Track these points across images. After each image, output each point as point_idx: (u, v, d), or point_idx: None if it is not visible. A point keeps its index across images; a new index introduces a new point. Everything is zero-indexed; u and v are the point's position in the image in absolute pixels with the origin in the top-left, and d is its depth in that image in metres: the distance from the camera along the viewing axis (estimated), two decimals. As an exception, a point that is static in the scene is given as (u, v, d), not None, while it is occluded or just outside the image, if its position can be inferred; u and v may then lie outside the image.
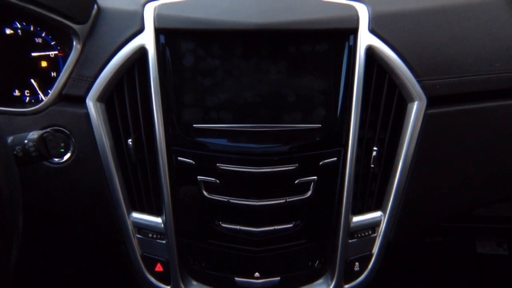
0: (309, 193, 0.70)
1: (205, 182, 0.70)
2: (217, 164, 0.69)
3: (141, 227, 0.76)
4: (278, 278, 0.76)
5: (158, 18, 0.69)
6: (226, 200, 0.70)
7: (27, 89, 0.77)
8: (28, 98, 0.77)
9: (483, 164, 0.74)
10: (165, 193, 0.71)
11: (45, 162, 0.71)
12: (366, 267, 0.77)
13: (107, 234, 0.77)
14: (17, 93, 0.77)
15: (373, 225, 0.76)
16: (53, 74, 0.76)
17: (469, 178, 0.74)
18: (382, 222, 0.75)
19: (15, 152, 0.57)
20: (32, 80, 0.76)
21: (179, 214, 0.73)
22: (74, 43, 0.70)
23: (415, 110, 0.69)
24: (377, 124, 0.72)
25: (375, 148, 0.72)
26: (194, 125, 0.70)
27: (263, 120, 0.69)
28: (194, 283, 0.79)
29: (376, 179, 0.74)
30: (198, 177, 0.70)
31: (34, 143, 0.58)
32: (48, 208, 0.76)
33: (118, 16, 0.72)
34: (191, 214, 0.74)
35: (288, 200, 0.70)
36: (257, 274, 0.75)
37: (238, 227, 0.71)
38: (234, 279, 0.76)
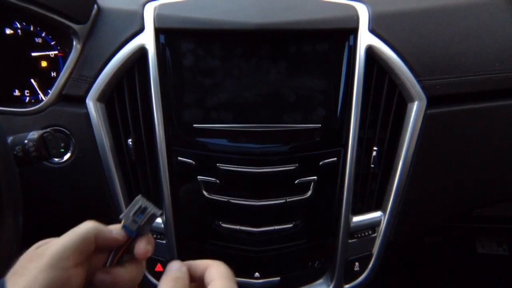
0: (309, 193, 0.70)
1: (205, 182, 0.70)
2: (217, 164, 0.69)
3: (141, 227, 0.76)
4: (278, 278, 0.76)
5: (158, 18, 0.69)
6: (226, 200, 0.70)
7: (27, 89, 0.77)
8: (28, 98, 0.77)
9: (483, 164, 0.74)
10: (165, 193, 0.71)
11: (45, 162, 0.71)
12: (366, 267, 0.77)
13: (107, 234, 0.77)
14: (17, 93, 0.77)
15: (373, 225, 0.76)
16: (53, 74, 0.76)
17: (469, 178, 0.74)
18: (382, 222, 0.75)
19: (15, 152, 0.57)
20: (32, 80, 0.76)
21: (179, 214, 0.73)
22: (74, 43, 0.70)
23: (415, 110, 0.69)
24: (377, 124, 0.72)
25: (375, 148, 0.72)
26: (194, 125, 0.70)
27: (263, 120, 0.69)
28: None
29: (376, 179, 0.74)
30: (198, 177, 0.70)
31: (34, 143, 0.57)
32: (48, 208, 0.76)
33: (118, 16, 0.72)
34: (191, 214, 0.74)
35: (288, 200, 0.70)
36: (257, 274, 0.75)
37: (238, 227, 0.71)
38: (234, 279, 0.76)
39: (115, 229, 0.39)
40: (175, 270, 0.38)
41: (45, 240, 0.37)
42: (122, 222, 0.40)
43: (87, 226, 0.37)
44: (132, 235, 0.40)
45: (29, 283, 0.32)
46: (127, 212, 0.40)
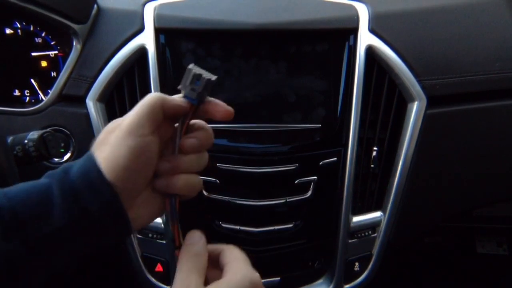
0: (309, 193, 0.70)
1: (205, 182, 0.70)
2: (217, 164, 0.69)
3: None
4: (278, 278, 0.76)
5: (158, 18, 0.69)
6: (226, 200, 0.70)
7: (27, 89, 0.77)
8: (28, 98, 0.77)
9: (483, 164, 0.74)
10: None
11: (45, 162, 0.71)
12: (366, 267, 0.77)
13: (107, 234, 0.77)
14: (17, 93, 0.77)
15: (373, 225, 0.76)
16: (53, 74, 0.76)
17: (469, 178, 0.74)
18: (382, 222, 0.75)
19: (15, 152, 0.57)
20: (32, 80, 0.76)
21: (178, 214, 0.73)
22: (74, 43, 0.71)
23: (415, 110, 0.69)
24: (377, 124, 0.72)
25: (375, 148, 0.72)
26: (194, 125, 0.70)
27: (263, 120, 0.69)
28: (194, 283, 0.79)
29: (376, 179, 0.74)
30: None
31: (34, 143, 0.58)
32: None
33: (118, 16, 0.72)
34: (191, 214, 0.74)
35: (288, 200, 0.70)
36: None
37: (238, 227, 0.71)
38: (234, 279, 0.76)
39: (178, 97, 0.41)
40: (196, 244, 0.42)
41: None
42: (182, 92, 0.41)
43: (152, 96, 0.39)
44: (194, 102, 0.41)
45: (114, 149, 0.37)
46: (184, 83, 0.41)
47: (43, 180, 0.36)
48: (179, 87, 0.41)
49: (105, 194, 0.35)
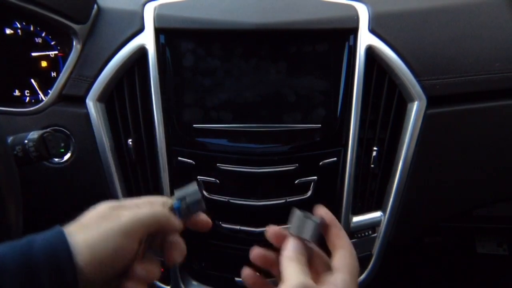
0: (309, 193, 0.70)
1: (205, 182, 0.70)
2: (217, 164, 0.69)
3: (141, 227, 0.75)
4: (278, 278, 0.76)
5: (158, 18, 0.69)
6: (226, 200, 0.70)
7: (27, 89, 0.77)
8: (28, 98, 0.77)
9: (483, 164, 0.74)
10: (165, 193, 0.71)
11: (45, 162, 0.71)
12: (366, 267, 0.77)
13: (107, 234, 0.77)
14: (17, 93, 0.77)
15: (373, 225, 0.75)
16: (53, 74, 0.76)
17: (469, 178, 0.74)
18: (382, 222, 0.75)
19: (15, 152, 0.57)
20: (32, 80, 0.76)
21: (179, 214, 0.73)
22: (74, 43, 0.71)
23: (415, 110, 0.69)
24: (377, 124, 0.72)
25: (375, 148, 0.72)
26: (194, 125, 0.70)
27: (263, 120, 0.69)
28: (194, 283, 0.79)
29: (376, 179, 0.74)
30: (198, 177, 0.70)
31: (34, 143, 0.58)
32: (48, 208, 0.76)
33: (118, 16, 0.72)
34: (191, 214, 0.74)
35: (288, 200, 0.70)
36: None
37: (238, 227, 0.71)
38: (234, 279, 0.76)
39: (177, 222, 0.42)
40: (295, 250, 0.42)
41: (116, 202, 0.39)
42: (175, 203, 0.43)
43: (160, 212, 0.39)
44: (181, 218, 0.44)
45: (101, 239, 0.34)
46: (184, 198, 0.43)
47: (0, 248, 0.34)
48: (176, 195, 0.43)
49: (67, 276, 0.33)
